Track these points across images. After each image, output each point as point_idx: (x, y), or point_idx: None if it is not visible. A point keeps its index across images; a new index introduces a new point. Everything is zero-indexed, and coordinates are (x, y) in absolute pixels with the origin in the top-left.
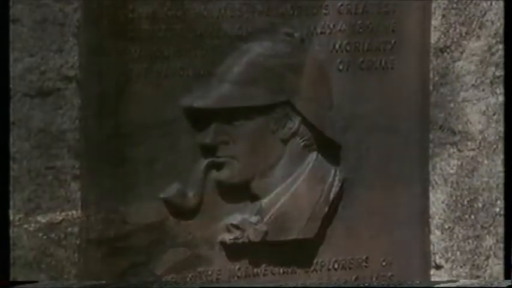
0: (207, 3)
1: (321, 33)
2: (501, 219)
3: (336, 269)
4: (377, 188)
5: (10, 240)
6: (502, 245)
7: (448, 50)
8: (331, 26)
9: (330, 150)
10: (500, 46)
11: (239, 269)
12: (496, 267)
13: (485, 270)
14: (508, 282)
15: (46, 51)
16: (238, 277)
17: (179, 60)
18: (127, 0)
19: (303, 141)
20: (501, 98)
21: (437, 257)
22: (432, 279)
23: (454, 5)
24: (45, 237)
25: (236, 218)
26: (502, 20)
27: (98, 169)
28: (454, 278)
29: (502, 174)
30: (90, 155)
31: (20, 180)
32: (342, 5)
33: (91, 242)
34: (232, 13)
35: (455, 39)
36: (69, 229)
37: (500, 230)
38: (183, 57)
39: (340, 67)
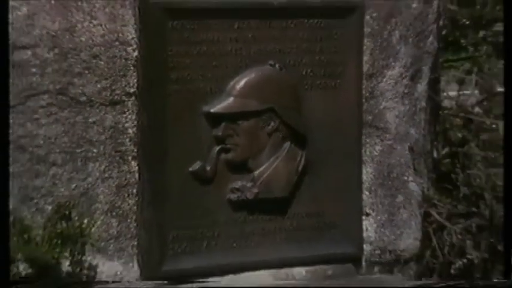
0: (220, 47)
1: (293, 65)
2: (408, 184)
3: (303, 217)
4: (330, 165)
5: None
6: (411, 200)
7: (374, 76)
8: (299, 60)
9: (299, 140)
10: (408, 73)
11: (239, 217)
12: (404, 215)
13: (397, 217)
14: (508, 282)
15: (115, 76)
16: (240, 222)
17: (201, 82)
18: (167, 43)
19: (281, 134)
20: (408, 107)
21: (366, 208)
22: (363, 223)
23: (378, 47)
24: (115, 195)
25: (238, 184)
26: (408, 59)
27: (148, 152)
28: (378, 223)
29: (409, 155)
30: (143, 143)
31: (98, 159)
32: (306, 46)
33: (144, 199)
34: (236, 51)
35: (378, 69)
36: (130, 190)
37: (408, 190)
38: (203, 80)
39: (306, 87)
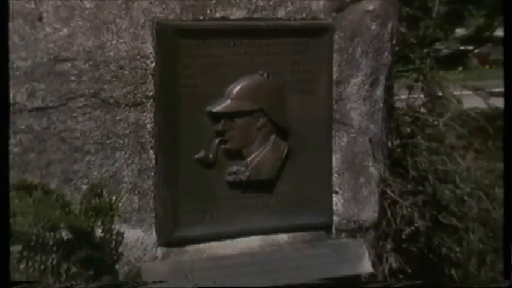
0: (220, 60)
1: (278, 74)
2: (368, 168)
3: (285, 194)
4: (307, 153)
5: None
6: (371, 181)
7: (341, 83)
8: (283, 70)
9: (282, 134)
10: (368, 81)
11: (235, 194)
12: (365, 192)
13: (360, 194)
14: (508, 282)
15: (137, 83)
16: (235, 198)
17: (205, 88)
18: (178, 57)
19: (269, 129)
20: (368, 107)
21: (335, 187)
22: (333, 199)
23: (344, 60)
24: (137, 177)
25: (234, 168)
26: (368, 69)
27: (163, 143)
28: (344, 199)
29: (369, 146)
30: (159, 136)
31: (123, 148)
32: (288, 58)
33: (160, 180)
34: (232, 63)
35: (345, 77)
36: (149, 173)
37: (368, 173)
38: (206, 86)
39: (288, 91)
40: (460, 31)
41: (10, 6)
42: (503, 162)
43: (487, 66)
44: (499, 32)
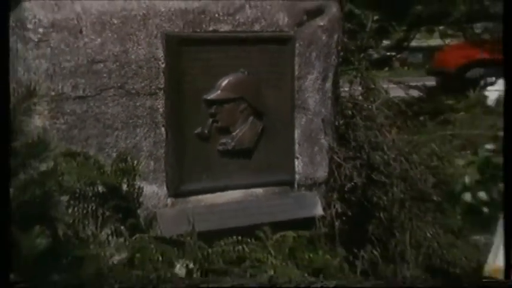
0: (213, 62)
1: (255, 72)
2: (321, 140)
3: (261, 160)
4: (276, 130)
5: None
6: (323, 150)
7: (301, 78)
8: (259, 69)
9: (258, 116)
10: (321, 77)
11: (224, 160)
12: (319, 158)
13: (315, 159)
14: (508, 282)
15: (152, 78)
16: (224, 163)
17: (202, 82)
18: (182, 60)
19: (248, 112)
20: (321, 96)
21: (297, 154)
22: (295, 163)
23: (303, 62)
24: (152, 147)
25: (223, 140)
26: (321, 69)
27: (171, 122)
28: (303, 163)
29: (321, 124)
30: (168, 117)
31: (142, 126)
32: (263, 60)
33: (169, 149)
34: (222, 64)
35: (303, 74)
36: (161, 144)
37: (320, 144)
38: (203, 81)
39: (263, 84)
40: (386, 42)
41: (58, 22)
42: (503, 162)
43: (405, 67)
44: (414, 43)
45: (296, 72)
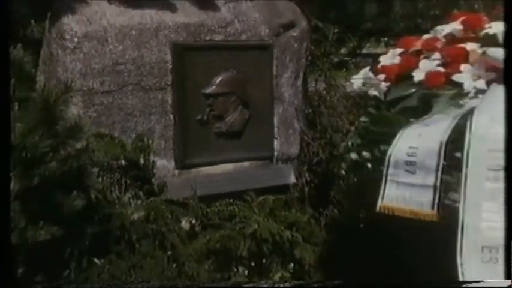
0: (209, 64)
1: (242, 72)
2: (295, 125)
3: (247, 140)
4: (260, 117)
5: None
6: (296, 132)
7: (278, 76)
8: (245, 70)
9: (246, 106)
10: (293, 75)
11: (220, 140)
12: (293, 138)
13: (289, 139)
14: (508, 282)
15: (162, 76)
16: (220, 143)
17: (201, 80)
18: (184, 62)
19: (237, 103)
20: (294, 91)
21: (276, 135)
22: (274, 142)
23: (280, 63)
24: (163, 129)
25: (218, 125)
26: (293, 69)
27: (177, 111)
28: (281, 141)
29: (294, 112)
30: (175, 107)
31: (155, 113)
32: (248, 63)
33: (176, 131)
34: (216, 66)
35: (280, 73)
36: (170, 127)
37: (294, 127)
38: (202, 78)
39: (248, 81)
40: (343, 49)
41: (89, 33)
42: (505, 163)
43: (359, 69)
44: (365, 50)
45: (274, 72)
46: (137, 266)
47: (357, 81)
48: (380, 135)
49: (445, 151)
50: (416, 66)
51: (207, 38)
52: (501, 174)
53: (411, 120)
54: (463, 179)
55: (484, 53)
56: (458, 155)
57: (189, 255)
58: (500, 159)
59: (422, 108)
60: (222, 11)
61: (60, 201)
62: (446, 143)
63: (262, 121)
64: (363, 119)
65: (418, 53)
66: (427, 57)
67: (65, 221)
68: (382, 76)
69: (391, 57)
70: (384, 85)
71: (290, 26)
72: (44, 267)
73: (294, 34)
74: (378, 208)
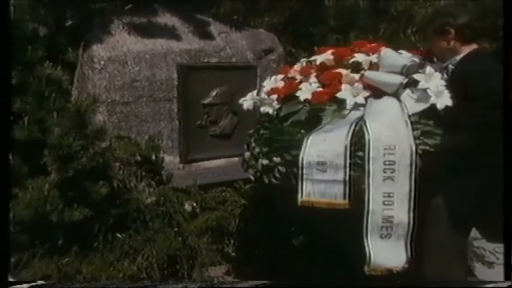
0: (208, 81)
1: (231, 87)
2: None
3: (236, 140)
4: (246, 122)
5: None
6: None
7: (259, 90)
8: (234, 85)
9: (235, 113)
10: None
11: (215, 140)
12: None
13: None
14: (508, 283)
15: (169, 91)
16: (214, 142)
17: (201, 93)
18: (189, 79)
19: (229, 111)
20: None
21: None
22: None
23: (262, 81)
24: (170, 132)
25: (214, 128)
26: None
27: (181, 117)
28: None
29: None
30: (181, 114)
31: (164, 119)
32: (236, 80)
33: (181, 132)
34: (213, 82)
35: (261, 88)
36: (176, 130)
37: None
38: (202, 91)
39: (236, 94)
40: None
41: (113, 57)
42: (504, 163)
43: None
44: None
45: (257, 87)
46: (151, 240)
47: (247, 102)
48: (285, 142)
49: (350, 151)
50: (298, 88)
51: (205, 60)
52: (394, 167)
53: (302, 131)
54: (367, 173)
55: (362, 75)
56: (360, 153)
57: (191, 231)
58: (392, 156)
59: (311, 121)
60: (217, 40)
61: (89, 188)
62: (350, 145)
63: (248, 126)
64: (262, 131)
65: (294, 78)
66: (304, 81)
67: (93, 205)
68: (274, 96)
69: (274, 82)
70: (275, 103)
71: (270, 51)
72: (79, 240)
73: (273, 57)
74: (299, 203)
